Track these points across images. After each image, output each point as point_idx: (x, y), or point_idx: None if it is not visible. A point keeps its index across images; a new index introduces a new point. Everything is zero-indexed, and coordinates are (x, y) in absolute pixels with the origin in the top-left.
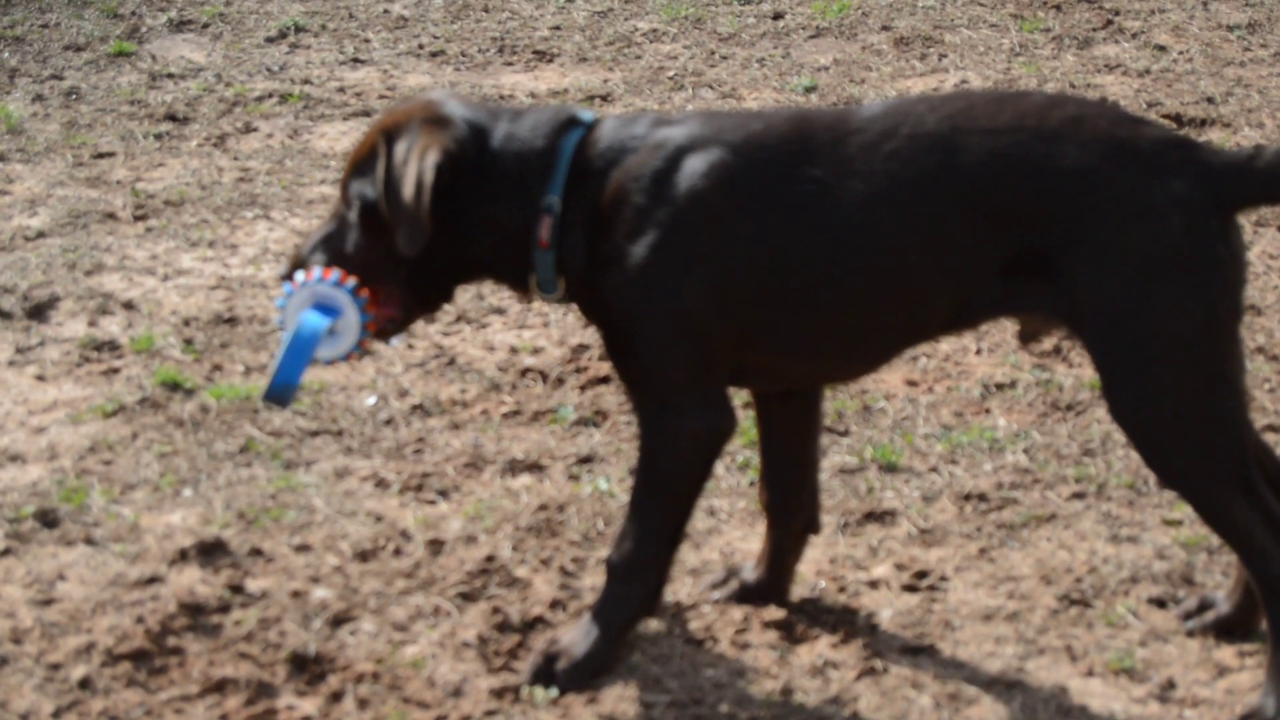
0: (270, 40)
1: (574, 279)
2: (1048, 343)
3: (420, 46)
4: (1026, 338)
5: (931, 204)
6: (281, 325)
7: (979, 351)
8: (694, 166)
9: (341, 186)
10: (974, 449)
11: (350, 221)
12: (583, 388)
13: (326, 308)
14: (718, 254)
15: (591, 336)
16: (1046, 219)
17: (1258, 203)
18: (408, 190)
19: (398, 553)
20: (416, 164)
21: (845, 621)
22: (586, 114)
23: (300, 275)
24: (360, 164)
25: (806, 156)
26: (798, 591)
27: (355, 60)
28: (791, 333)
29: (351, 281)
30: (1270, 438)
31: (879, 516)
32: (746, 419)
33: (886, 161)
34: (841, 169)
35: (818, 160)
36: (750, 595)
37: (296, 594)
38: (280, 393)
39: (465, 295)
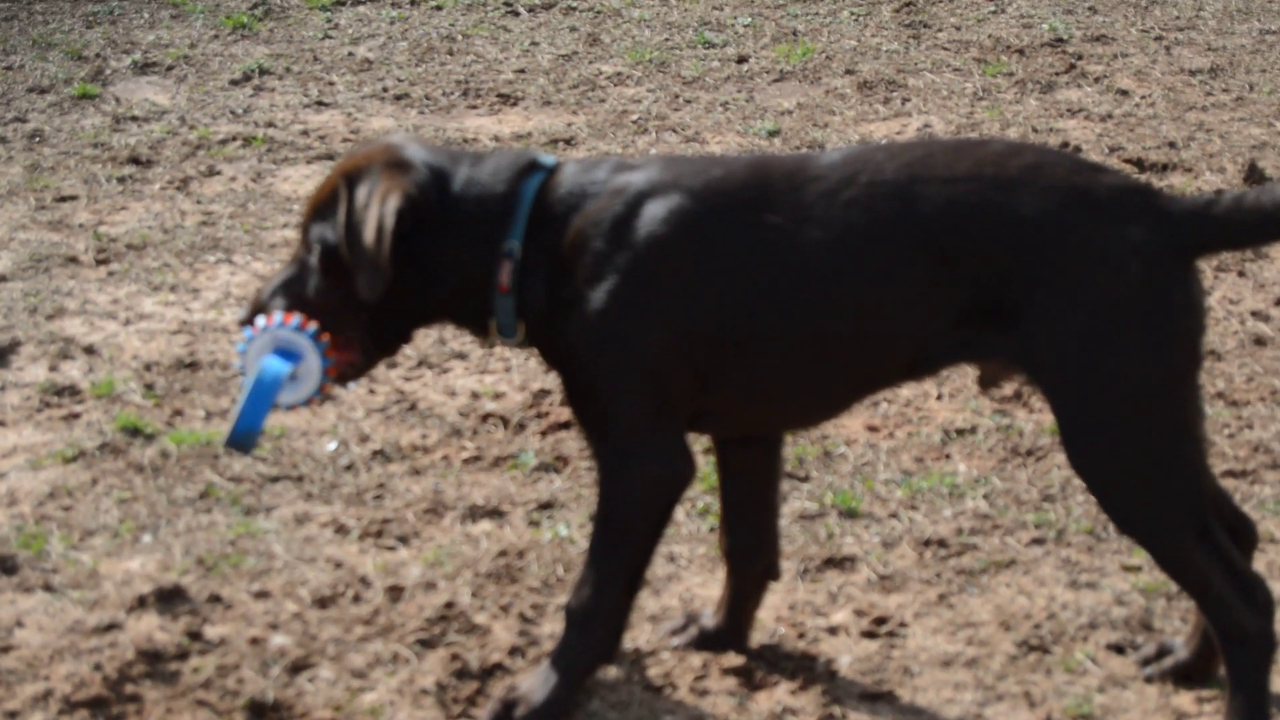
0: (234, 83)
1: (534, 324)
2: (1008, 388)
3: (384, 90)
4: (986, 383)
5: (890, 252)
6: (242, 370)
7: (940, 397)
8: (653, 212)
9: (302, 230)
10: (934, 494)
11: (311, 266)
12: (544, 433)
13: (288, 353)
14: (676, 300)
15: (553, 382)
16: (1005, 267)
17: (1216, 249)
18: (368, 235)
19: (357, 599)
20: (378, 208)
21: (804, 668)
22: (548, 158)
23: (261, 320)
24: (321, 208)
25: (766, 204)
26: (757, 638)
27: (319, 103)
28: (749, 379)
29: (313, 326)
30: (1230, 483)
31: (839, 562)
32: (707, 465)
33: (845, 210)
34: (800, 216)
35: (777, 207)
36: (709, 642)
37: (255, 641)
38: (243, 439)
39: (426, 340)
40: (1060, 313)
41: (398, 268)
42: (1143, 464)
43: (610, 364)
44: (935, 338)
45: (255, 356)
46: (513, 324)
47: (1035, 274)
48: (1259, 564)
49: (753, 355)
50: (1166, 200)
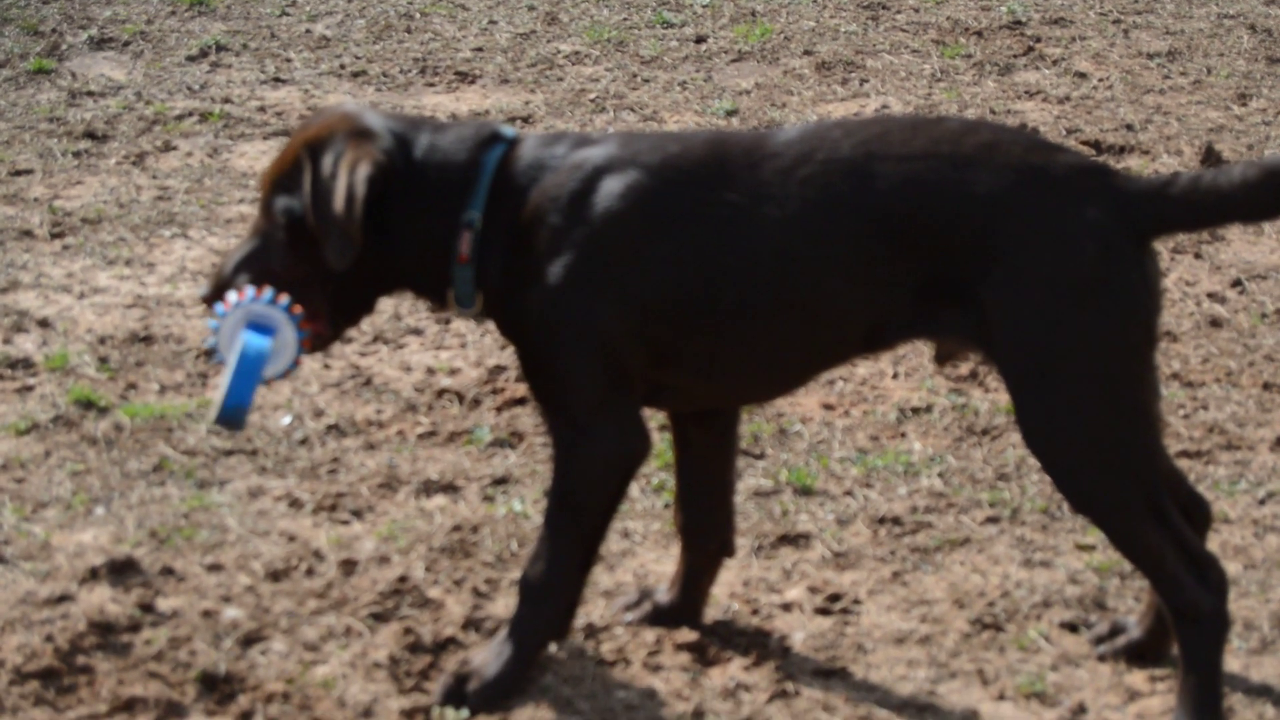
0: (191, 59)
1: (491, 295)
2: (964, 368)
3: (342, 67)
4: (942, 359)
5: (845, 230)
6: (214, 348)
7: (895, 376)
8: (610, 188)
9: (263, 203)
10: (889, 473)
11: (275, 238)
12: (499, 409)
13: (261, 327)
14: (632, 276)
15: (508, 358)
16: (960, 245)
17: (1172, 230)
18: (338, 204)
19: (310, 573)
20: (346, 177)
21: (758, 644)
22: (509, 130)
23: (232, 295)
24: (283, 179)
25: (722, 181)
26: (711, 614)
27: (276, 80)
28: (705, 355)
29: (285, 299)
30: (1185, 463)
31: (793, 539)
32: (662, 441)
33: (801, 187)
34: (757, 194)
35: (733, 185)
36: (663, 617)
37: (207, 613)
38: (233, 415)
39: (382, 316)
40: (1015, 291)
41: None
42: (1097, 443)
43: (565, 339)
44: (891, 314)
45: (230, 332)
46: (471, 295)
47: (990, 252)
48: (1213, 544)
49: (708, 332)
50: (1123, 180)
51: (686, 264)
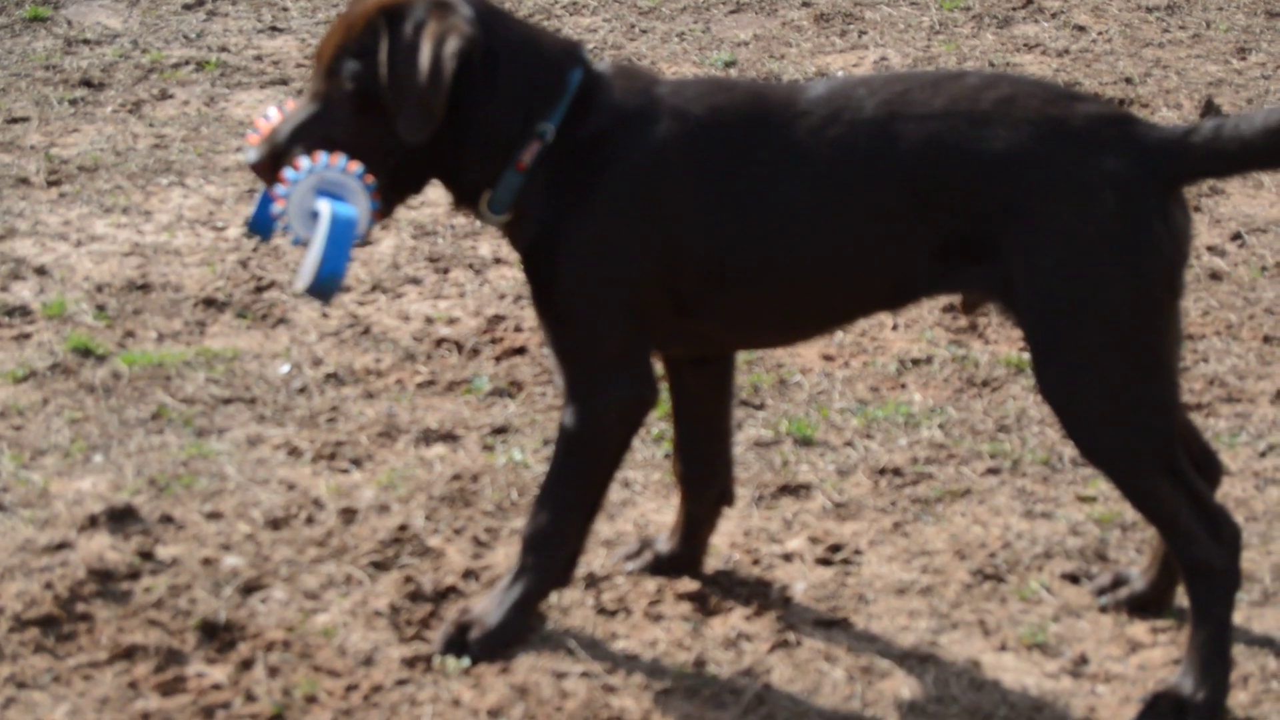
0: (187, 7)
1: (527, 215)
2: (964, 320)
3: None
4: (970, 308)
5: (871, 189)
6: (284, 214)
7: (895, 327)
8: (662, 135)
9: (325, 68)
10: (889, 424)
11: (339, 104)
12: (498, 358)
13: (332, 195)
14: (671, 224)
15: (507, 308)
16: (980, 202)
17: (1196, 178)
18: (423, 76)
19: (310, 521)
20: (432, 48)
21: (759, 594)
22: (586, 54)
23: (305, 161)
24: (353, 44)
25: (760, 136)
26: (712, 564)
27: (273, 29)
28: (729, 306)
29: (359, 167)
30: None
31: (794, 490)
32: (663, 391)
33: (829, 148)
34: (789, 152)
35: (769, 141)
36: (664, 567)
37: (207, 561)
38: (326, 283)
39: (380, 265)
40: (1035, 245)
41: None
42: (1114, 396)
43: (595, 280)
44: (915, 270)
45: (301, 199)
46: (506, 205)
47: (1010, 207)
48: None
49: (735, 284)
50: (1144, 129)
51: (722, 217)
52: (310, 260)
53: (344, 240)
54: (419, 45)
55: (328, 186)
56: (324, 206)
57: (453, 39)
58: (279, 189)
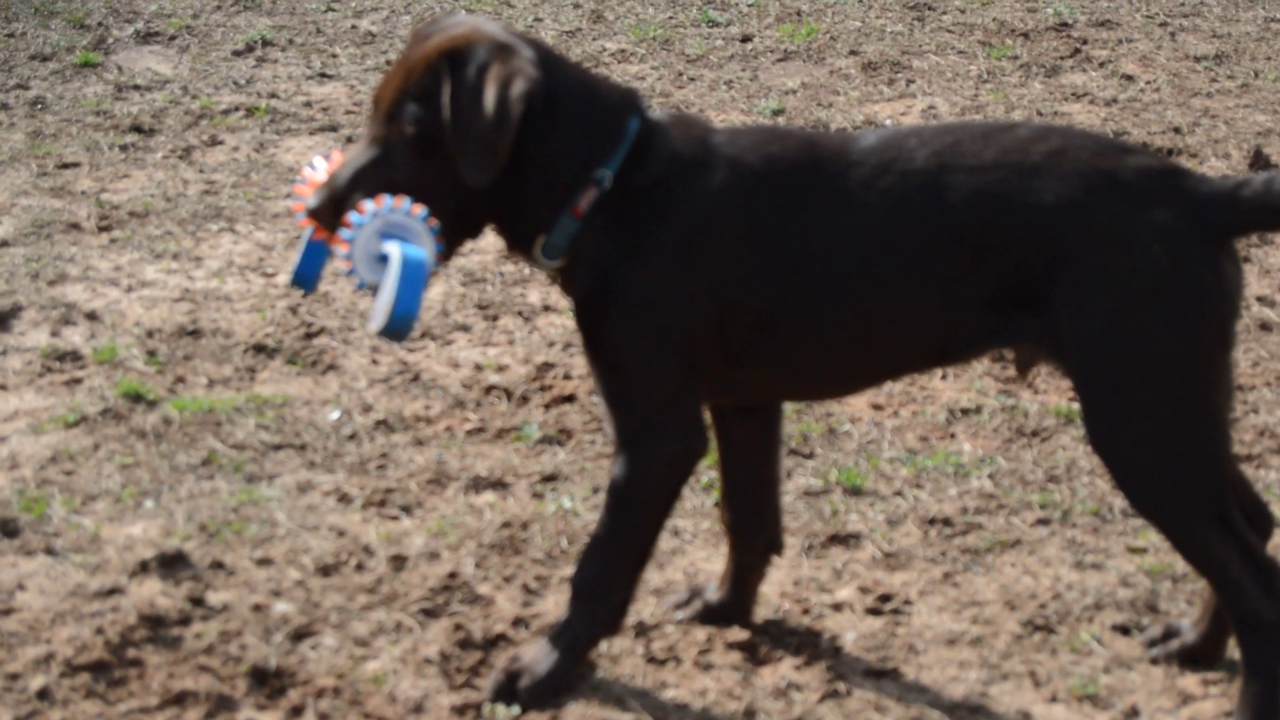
0: (237, 54)
1: (581, 262)
2: (1013, 370)
3: (388, 63)
4: (1024, 368)
5: (921, 240)
6: (349, 258)
7: (944, 376)
8: (718, 184)
9: (384, 113)
10: (939, 473)
11: (399, 148)
12: (547, 406)
13: (398, 238)
14: (724, 272)
15: (556, 355)
16: (1030, 255)
17: (1246, 230)
18: (488, 118)
19: (360, 568)
20: (497, 90)
21: (809, 644)
22: (644, 101)
23: (369, 204)
24: (414, 88)
25: (813, 187)
26: (761, 613)
27: (322, 75)
28: (778, 357)
29: (422, 210)
30: None
31: (843, 539)
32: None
33: (881, 198)
34: (842, 202)
35: (822, 192)
36: (714, 616)
37: (258, 607)
38: (400, 324)
39: (429, 312)
40: (1085, 298)
41: None
42: (1165, 448)
43: (648, 328)
44: (965, 324)
45: (366, 243)
46: (561, 251)
47: (1060, 260)
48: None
49: (786, 334)
50: (1195, 181)
51: (774, 265)
52: (384, 302)
53: (417, 281)
54: (483, 88)
55: (393, 229)
56: (393, 248)
57: (519, 81)
58: (343, 233)
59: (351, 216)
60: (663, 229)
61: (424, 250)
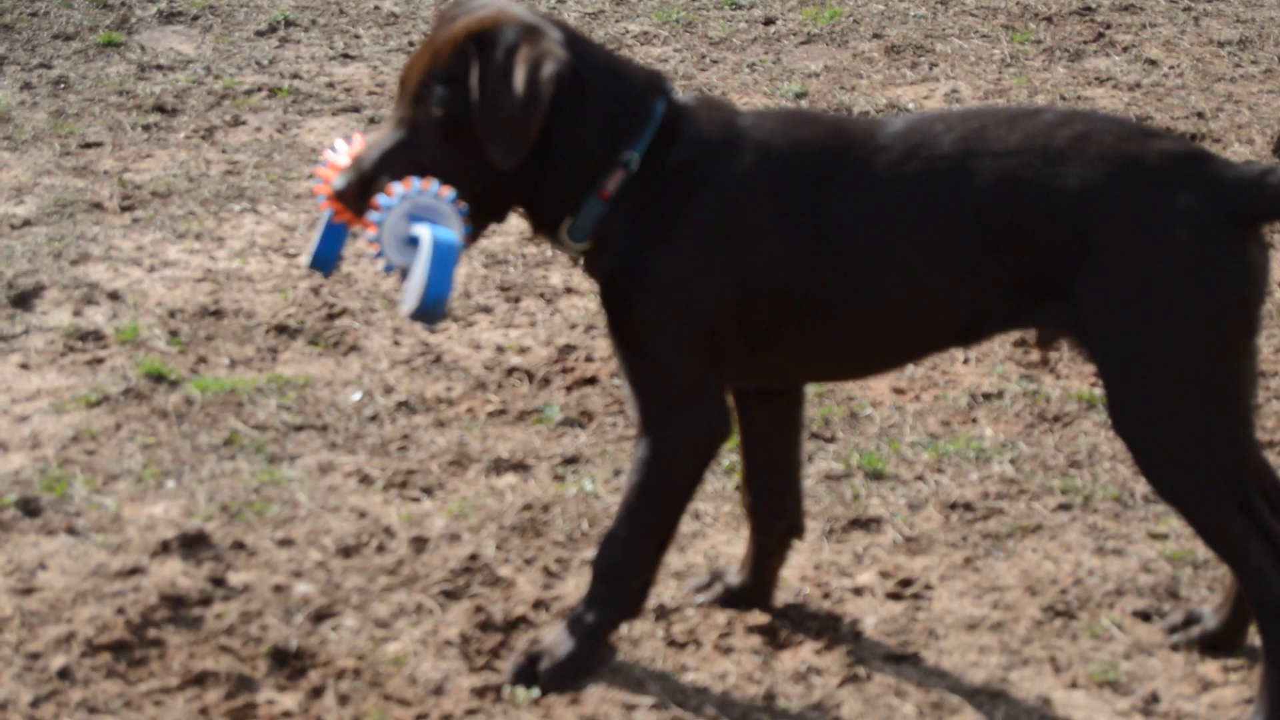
0: (260, 34)
1: (608, 244)
2: (1036, 355)
3: (410, 43)
4: (1044, 343)
5: (946, 224)
6: (378, 240)
7: (966, 361)
8: (745, 168)
9: (411, 95)
10: (960, 458)
11: (427, 130)
12: (569, 388)
13: (427, 220)
14: (752, 256)
15: (578, 337)
16: (1054, 239)
17: (1273, 217)
18: (518, 100)
19: (381, 549)
20: (527, 72)
21: (829, 628)
22: (669, 84)
23: (398, 187)
24: (441, 70)
25: (840, 172)
26: (782, 597)
27: (345, 56)
28: (803, 340)
29: (451, 192)
30: None
31: (864, 524)
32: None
33: (907, 183)
34: (869, 186)
35: (850, 175)
36: (734, 599)
37: (278, 588)
38: (432, 307)
39: (452, 294)
40: (1108, 282)
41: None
42: (1188, 433)
43: (674, 312)
44: (989, 306)
45: (394, 224)
46: (587, 233)
47: (1084, 245)
48: None
49: (810, 317)
50: (1220, 166)
51: (800, 249)
52: (415, 284)
53: (447, 263)
54: (513, 69)
55: (421, 212)
56: (424, 231)
57: (549, 63)
58: (372, 215)
59: (380, 199)
60: (689, 212)
61: (454, 232)
